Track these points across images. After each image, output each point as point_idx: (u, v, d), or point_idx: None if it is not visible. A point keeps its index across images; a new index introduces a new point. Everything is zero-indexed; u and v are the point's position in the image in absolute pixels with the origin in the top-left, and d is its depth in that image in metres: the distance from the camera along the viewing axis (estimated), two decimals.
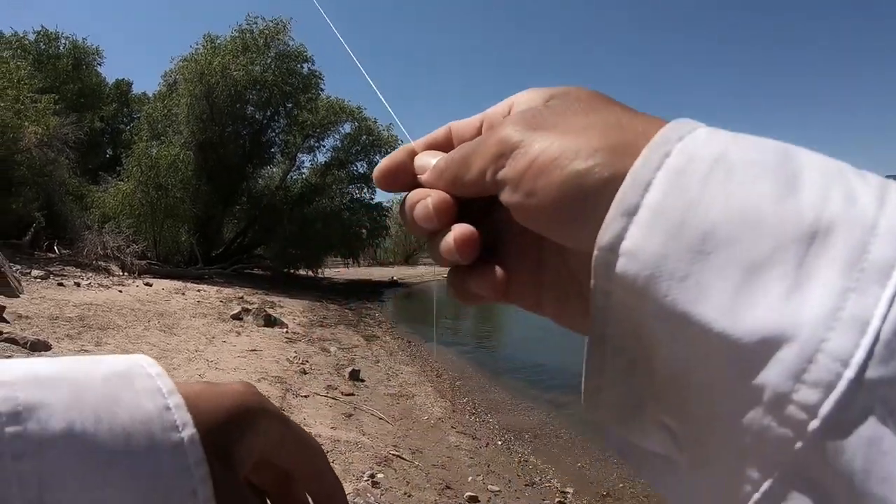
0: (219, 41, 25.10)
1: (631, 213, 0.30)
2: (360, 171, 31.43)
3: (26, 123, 16.59)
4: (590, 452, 6.47)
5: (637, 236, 0.30)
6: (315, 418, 5.84)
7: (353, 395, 7.40)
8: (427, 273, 41.66)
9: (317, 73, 27.30)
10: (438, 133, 0.47)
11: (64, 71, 27.53)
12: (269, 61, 25.67)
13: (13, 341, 5.99)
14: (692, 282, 0.28)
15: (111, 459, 0.34)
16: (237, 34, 25.38)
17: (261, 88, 25.29)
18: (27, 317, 7.88)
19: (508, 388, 9.44)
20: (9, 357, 5.54)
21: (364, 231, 30.28)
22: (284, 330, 11.52)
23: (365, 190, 31.52)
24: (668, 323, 0.29)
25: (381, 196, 32.12)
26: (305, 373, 8.03)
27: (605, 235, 0.31)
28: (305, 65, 26.87)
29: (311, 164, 31.25)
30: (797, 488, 0.26)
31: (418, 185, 0.45)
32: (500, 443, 6.69)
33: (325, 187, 29.67)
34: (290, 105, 26.93)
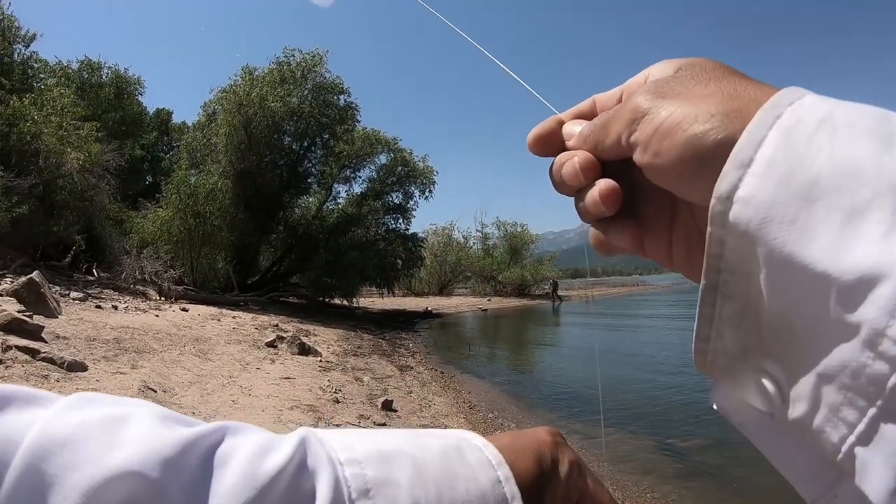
0: (257, 73, 25.58)
1: (745, 165, 0.34)
2: (396, 201, 31.61)
3: (69, 149, 16.96)
4: (623, 486, 6.28)
5: (751, 185, 0.33)
6: None
7: (385, 424, 7.30)
8: (462, 304, 41.52)
9: (353, 105, 27.68)
10: (583, 105, 0.52)
11: (106, 99, 28.22)
12: (305, 93, 26.07)
13: (50, 361, 6.02)
14: (799, 225, 0.31)
15: None
16: (275, 66, 25.88)
17: (298, 119, 25.68)
18: (65, 337, 7.93)
19: (542, 419, 9.27)
20: (45, 376, 5.58)
21: (399, 261, 30.33)
22: (318, 358, 11.49)
23: (400, 220, 31.66)
24: (776, 265, 0.32)
25: (417, 226, 32.27)
26: (338, 402, 7.96)
27: (721, 185, 0.34)
28: (342, 96, 27.27)
29: (347, 195, 31.55)
30: (892, 422, 0.26)
31: (565, 150, 0.50)
32: None
33: (360, 217, 29.86)
34: (326, 136, 27.24)
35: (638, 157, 0.41)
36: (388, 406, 8.40)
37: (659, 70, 0.45)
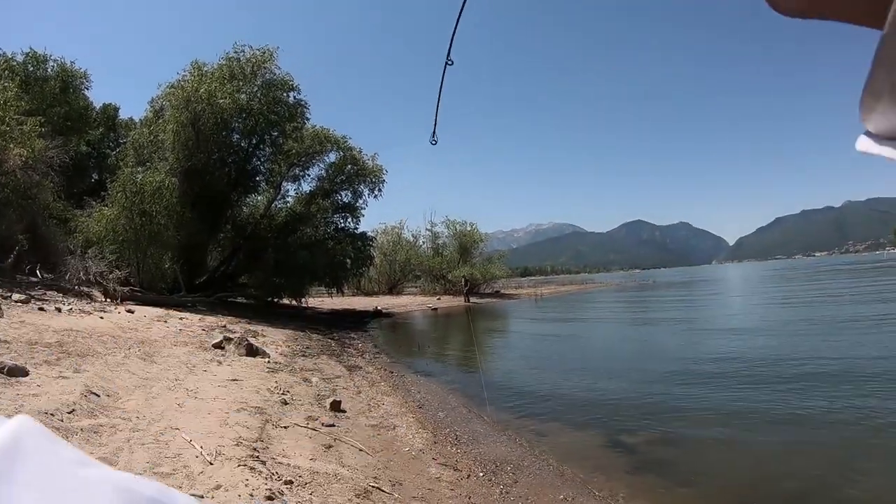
0: (206, 68, 25.19)
1: None
2: (345, 200, 31.50)
3: (11, 145, 16.54)
4: (572, 484, 6.40)
5: None
6: (294, 450, 5.78)
7: (333, 426, 7.33)
8: (412, 303, 41.59)
9: (303, 102, 27.42)
10: None
11: (51, 94, 27.53)
12: (255, 89, 25.80)
13: None
14: None
15: None
16: (224, 62, 25.51)
17: (246, 116, 25.38)
18: (5, 341, 7.80)
19: (492, 417, 9.39)
20: None
21: (348, 260, 30.21)
22: (266, 360, 11.45)
23: (349, 219, 31.54)
24: None
25: (366, 226, 32.20)
26: (286, 403, 7.97)
27: None
28: (291, 93, 27.01)
29: (296, 193, 31.38)
30: None
31: None
32: (481, 474, 6.63)
33: (309, 216, 29.73)
34: (275, 133, 26.95)
35: None
36: (336, 407, 8.43)
37: None
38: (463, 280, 50.92)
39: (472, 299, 48.91)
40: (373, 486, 5.22)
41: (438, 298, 47.53)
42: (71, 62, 29.59)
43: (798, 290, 40.16)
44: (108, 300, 16.42)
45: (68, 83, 29.07)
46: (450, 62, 3.95)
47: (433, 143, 5.06)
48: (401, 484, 5.68)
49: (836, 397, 9.12)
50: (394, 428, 8.16)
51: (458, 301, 46.83)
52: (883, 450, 6.87)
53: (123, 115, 36.04)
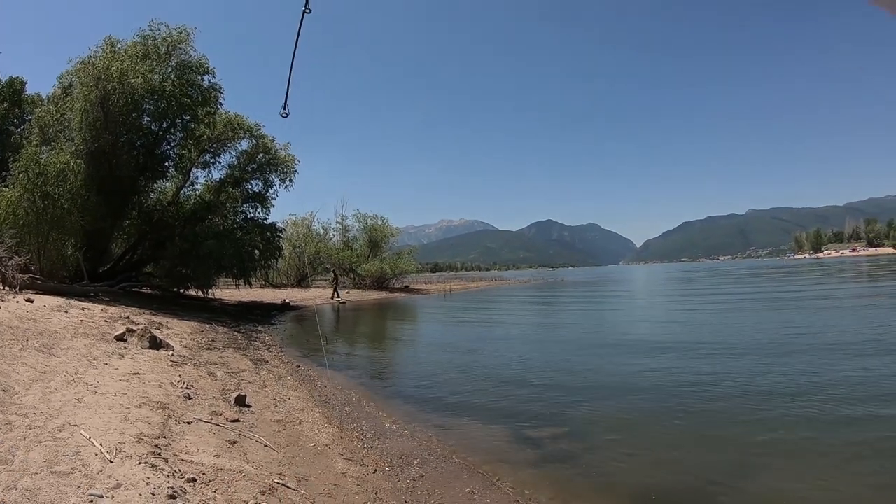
0: (119, 45, 24.30)
1: None
2: (256, 189, 31.01)
3: None
4: (479, 477, 6.54)
5: None
6: (198, 446, 5.73)
7: (238, 421, 7.27)
8: (321, 296, 41.32)
9: (217, 87, 26.68)
10: None
11: None
12: (168, 70, 24.97)
13: None
14: None
15: None
16: (139, 40, 24.62)
17: (158, 98, 24.51)
18: None
19: (398, 412, 9.47)
20: None
21: (257, 251, 29.67)
22: (170, 353, 11.22)
23: (259, 209, 31.06)
24: None
25: (276, 216, 31.68)
26: (190, 398, 7.86)
27: None
28: (206, 77, 26.24)
29: (206, 181, 30.70)
30: None
31: None
32: (388, 469, 6.71)
33: (218, 205, 29.15)
34: (187, 118, 26.16)
35: None
36: (241, 401, 8.37)
37: None
38: (333, 273, 48.84)
39: (383, 294, 48.90)
40: (278, 483, 5.23)
41: (348, 292, 47.32)
42: None
43: (700, 291, 41.77)
44: (6, 288, 15.73)
45: None
46: (307, 10, 3.81)
47: (284, 116, 4.92)
48: (307, 480, 5.71)
49: (735, 386, 9.60)
50: (299, 423, 8.16)
51: (367, 295, 46.76)
52: (784, 443, 7.27)
53: (31, 90, 34.28)
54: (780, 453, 6.94)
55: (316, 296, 42.56)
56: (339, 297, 42.25)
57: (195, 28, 25.48)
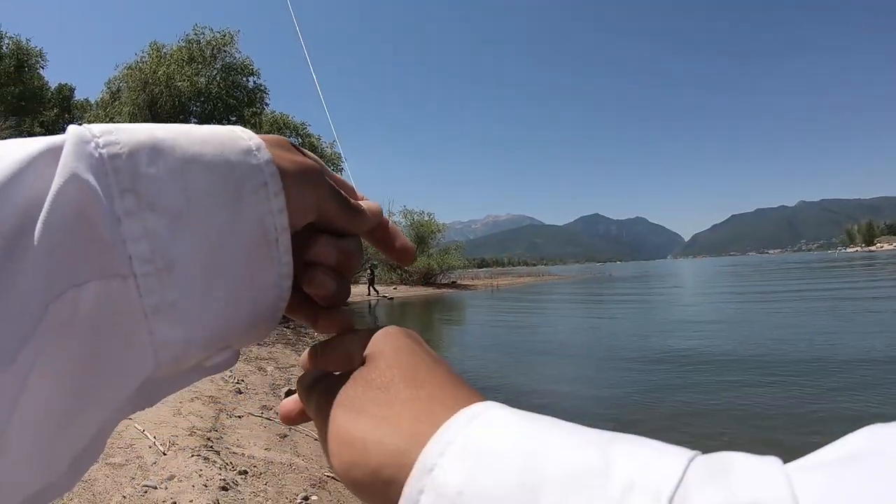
0: (165, 50, 24.76)
1: None
2: None
3: None
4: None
5: None
6: (249, 439, 5.78)
7: None
8: (366, 292, 41.51)
9: (262, 87, 27.05)
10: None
11: (5, 72, 26.80)
12: (214, 73, 25.38)
13: None
14: None
15: (190, 156, 0.39)
16: (184, 44, 25.06)
17: (205, 100, 24.95)
18: None
19: None
20: None
21: None
22: None
23: None
24: None
25: None
26: (241, 392, 7.93)
27: None
28: (251, 78, 26.63)
29: None
30: None
31: None
32: None
33: None
34: (234, 118, 26.54)
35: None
36: (291, 396, 8.40)
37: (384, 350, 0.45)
38: (368, 267, 46.33)
39: (431, 289, 48.96)
40: (328, 476, 5.23)
41: (395, 288, 47.50)
42: (26, 40, 28.84)
43: (754, 287, 40.97)
44: None
45: (23, 62, 28.31)
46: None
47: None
48: None
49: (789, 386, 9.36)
50: None
51: (414, 291, 46.85)
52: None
53: (79, 95, 35.29)
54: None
55: (363, 291, 42.84)
56: (376, 293, 41.91)
57: (238, 31, 25.90)
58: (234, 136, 0.43)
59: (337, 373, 0.48)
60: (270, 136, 0.47)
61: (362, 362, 0.45)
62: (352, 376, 0.43)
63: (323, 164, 0.50)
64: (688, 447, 0.27)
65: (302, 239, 0.49)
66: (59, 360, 0.33)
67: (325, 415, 0.42)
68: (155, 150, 0.38)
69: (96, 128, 0.38)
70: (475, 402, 0.38)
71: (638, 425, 7.97)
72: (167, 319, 0.37)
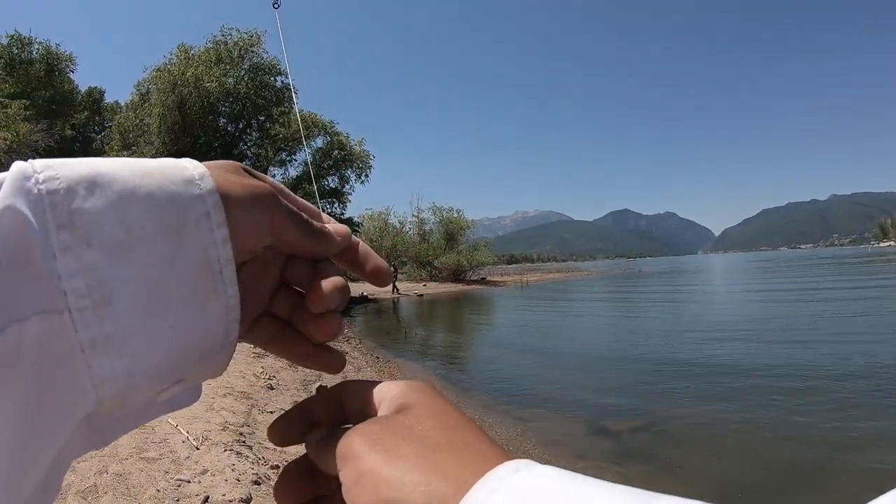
0: (193, 51, 24.95)
1: None
2: (332, 185, 31.43)
3: None
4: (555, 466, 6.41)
5: None
6: None
7: None
8: (398, 289, 41.57)
9: (291, 87, 27.23)
10: None
11: (36, 77, 27.17)
12: (242, 73, 25.55)
13: None
14: None
15: (130, 188, 0.38)
16: (211, 45, 25.24)
17: (233, 100, 25.13)
18: None
19: (476, 403, 9.42)
20: None
21: None
22: (251, 345, 11.40)
23: (336, 205, 31.52)
24: None
25: (353, 211, 32.10)
26: (272, 388, 7.97)
27: None
28: (279, 78, 26.77)
29: (283, 178, 31.20)
30: None
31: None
32: None
33: None
34: (262, 118, 26.78)
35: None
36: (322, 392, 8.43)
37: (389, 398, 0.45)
38: (393, 268, 46.92)
39: (460, 286, 48.87)
40: None
41: (424, 285, 47.54)
42: (56, 45, 29.28)
43: (788, 285, 40.44)
44: None
45: (53, 66, 28.69)
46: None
47: (276, 6, 4.88)
48: None
49: (827, 390, 9.21)
50: None
51: (444, 287, 46.83)
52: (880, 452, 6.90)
53: (109, 98, 35.80)
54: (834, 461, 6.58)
55: (388, 289, 42.91)
56: (397, 291, 41.66)
57: (265, 31, 26.01)
58: (179, 167, 0.42)
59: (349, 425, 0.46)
60: (223, 161, 0.47)
61: (374, 412, 0.45)
62: (382, 424, 0.42)
63: (281, 186, 0.49)
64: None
65: (281, 265, 0.50)
66: (2, 397, 0.33)
67: (350, 456, 0.40)
68: (93, 184, 0.37)
69: (38, 163, 0.37)
70: (512, 459, 0.37)
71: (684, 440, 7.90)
72: (105, 353, 0.37)
